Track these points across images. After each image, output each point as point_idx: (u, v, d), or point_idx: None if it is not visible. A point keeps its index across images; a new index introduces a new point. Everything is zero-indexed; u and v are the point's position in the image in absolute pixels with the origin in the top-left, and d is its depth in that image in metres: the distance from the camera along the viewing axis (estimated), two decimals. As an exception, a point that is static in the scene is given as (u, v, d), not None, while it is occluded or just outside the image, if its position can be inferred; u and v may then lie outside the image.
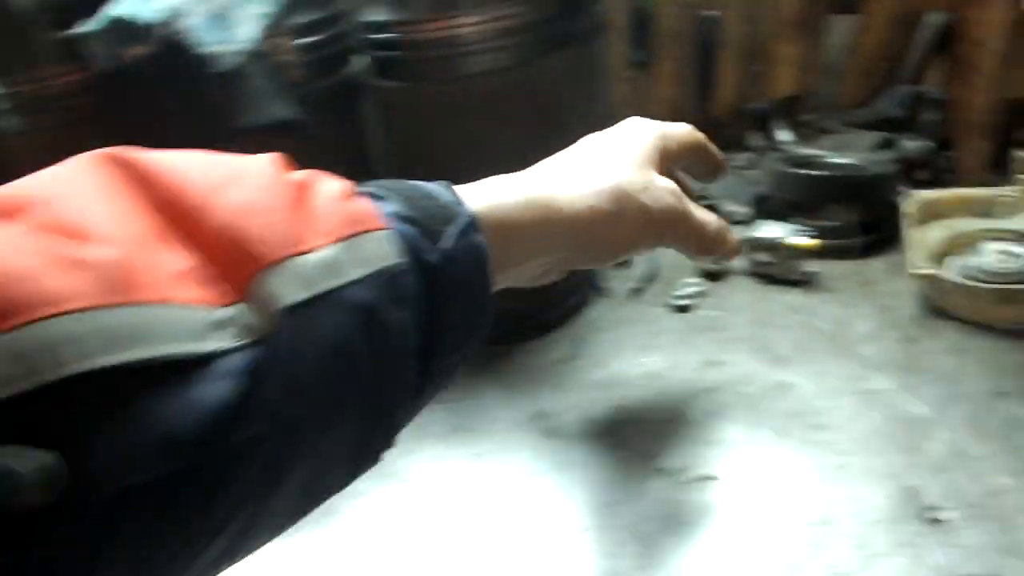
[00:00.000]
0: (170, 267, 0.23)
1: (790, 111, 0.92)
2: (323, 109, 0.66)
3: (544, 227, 0.35)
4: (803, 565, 0.45)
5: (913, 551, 0.45)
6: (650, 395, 0.61)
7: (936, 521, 0.47)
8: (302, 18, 0.65)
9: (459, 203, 0.32)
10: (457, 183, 0.34)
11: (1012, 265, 0.64)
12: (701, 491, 0.51)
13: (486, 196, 0.34)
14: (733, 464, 0.53)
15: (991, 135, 0.84)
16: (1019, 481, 0.49)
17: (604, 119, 0.45)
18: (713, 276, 0.74)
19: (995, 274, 0.64)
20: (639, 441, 0.56)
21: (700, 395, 0.60)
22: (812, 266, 0.73)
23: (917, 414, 0.55)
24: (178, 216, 0.24)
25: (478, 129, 0.64)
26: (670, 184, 0.40)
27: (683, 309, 0.71)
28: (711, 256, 0.45)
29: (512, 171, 0.38)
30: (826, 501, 0.49)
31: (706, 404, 0.59)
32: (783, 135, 0.90)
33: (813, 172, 0.75)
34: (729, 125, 0.96)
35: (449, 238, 0.30)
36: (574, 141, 0.43)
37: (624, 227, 0.38)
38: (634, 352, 0.66)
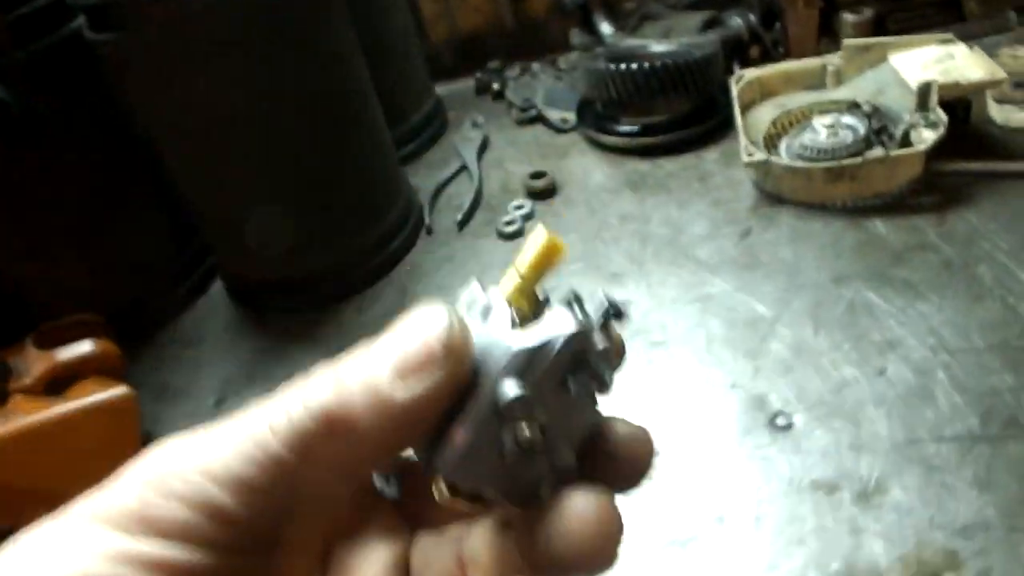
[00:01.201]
0: None
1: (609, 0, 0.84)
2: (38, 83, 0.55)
3: None
4: (656, 487, 0.41)
5: (764, 463, 0.42)
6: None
7: (784, 427, 0.44)
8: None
9: None
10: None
11: (840, 139, 0.60)
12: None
13: None
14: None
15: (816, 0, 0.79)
16: (862, 371, 0.46)
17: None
18: (538, 194, 0.67)
19: (825, 151, 0.59)
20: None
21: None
22: (643, 166, 0.68)
23: (758, 314, 0.51)
24: None
25: (222, 74, 0.54)
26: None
27: (512, 236, 0.64)
28: None
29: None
30: (673, 420, 0.45)
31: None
32: (605, 27, 0.84)
33: (633, 66, 0.68)
34: (549, 25, 0.88)
35: None
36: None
37: None
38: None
